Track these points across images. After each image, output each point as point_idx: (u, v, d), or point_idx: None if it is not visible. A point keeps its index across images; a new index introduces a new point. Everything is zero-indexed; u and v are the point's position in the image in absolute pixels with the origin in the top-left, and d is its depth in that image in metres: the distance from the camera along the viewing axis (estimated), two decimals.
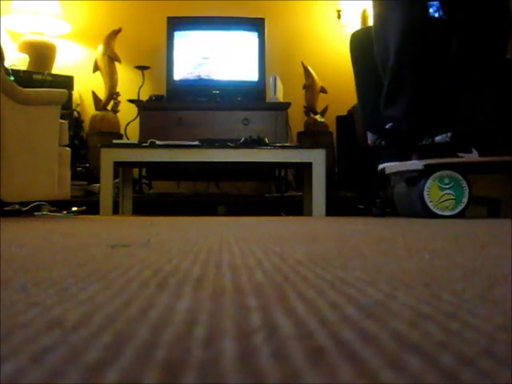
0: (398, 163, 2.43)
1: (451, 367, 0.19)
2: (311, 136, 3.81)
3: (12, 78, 2.90)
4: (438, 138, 2.29)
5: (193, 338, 0.24)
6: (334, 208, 3.16)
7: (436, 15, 2.25)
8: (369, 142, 2.63)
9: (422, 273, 0.46)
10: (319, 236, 1.11)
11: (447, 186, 2.28)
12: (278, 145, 3.13)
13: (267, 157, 3.02)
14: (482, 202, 3.04)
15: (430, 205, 2.28)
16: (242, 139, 3.07)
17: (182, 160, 3.00)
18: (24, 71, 3.49)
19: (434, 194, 2.28)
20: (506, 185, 2.80)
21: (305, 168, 3.22)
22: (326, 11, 4.20)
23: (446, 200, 2.28)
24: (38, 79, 3.46)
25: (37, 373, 0.19)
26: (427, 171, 2.29)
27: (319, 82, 3.94)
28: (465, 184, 2.30)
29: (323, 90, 3.96)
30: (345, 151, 3.68)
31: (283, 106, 3.61)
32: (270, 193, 3.89)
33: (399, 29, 2.27)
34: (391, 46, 2.30)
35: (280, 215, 3.21)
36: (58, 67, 3.88)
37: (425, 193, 2.28)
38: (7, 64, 3.20)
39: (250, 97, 3.67)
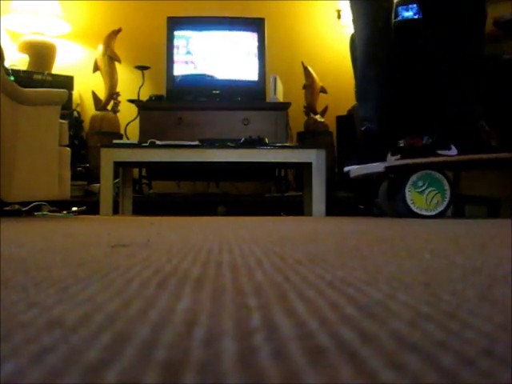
0: (361, 166, 2.42)
1: (451, 367, 0.19)
2: (311, 136, 3.81)
3: (12, 78, 2.90)
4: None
5: (193, 338, 0.24)
6: (334, 208, 3.16)
7: (416, 17, 2.29)
8: None
9: (422, 273, 0.46)
10: (319, 236, 1.11)
11: (424, 188, 2.27)
12: (278, 145, 3.13)
13: (267, 157, 3.02)
14: (482, 202, 3.04)
15: (413, 207, 2.26)
16: (242, 139, 3.07)
17: (181, 160, 3.00)
18: (24, 71, 3.49)
19: (417, 197, 2.27)
20: (506, 185, 2.80)
21: (305, 168, 3.22)
22: (326, 11, 4.20)
23: (433, 197, 2.27)
24: (38, 79, 3.46)
25: (37, 373, 0.19)
26: (387, 174, 2.30)
27: (319, 82, 3.94)
28: (442, 178, 2.27)
29: (323, 90, 3.95)
30: (345, 151, 3.68)
31: (283, 106, 3.61)
32: (270, 193, 3.89)
33: (364, 34, 2.32)
34: (358, 47, 2.36)
35: (280, 215, 3.21)
36: (58, 67, 3.88)
37: (407, 196, 2.26)
38: (7, 64, 3.20)
39: (249, 97, 3.67)
